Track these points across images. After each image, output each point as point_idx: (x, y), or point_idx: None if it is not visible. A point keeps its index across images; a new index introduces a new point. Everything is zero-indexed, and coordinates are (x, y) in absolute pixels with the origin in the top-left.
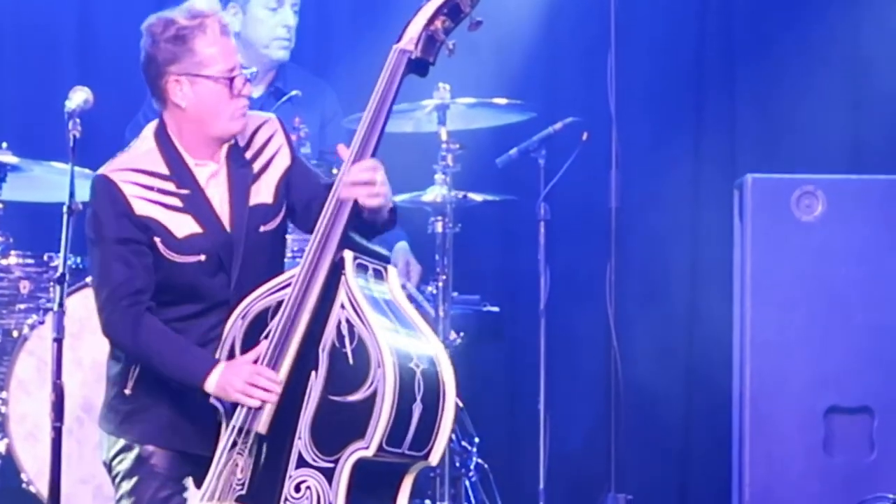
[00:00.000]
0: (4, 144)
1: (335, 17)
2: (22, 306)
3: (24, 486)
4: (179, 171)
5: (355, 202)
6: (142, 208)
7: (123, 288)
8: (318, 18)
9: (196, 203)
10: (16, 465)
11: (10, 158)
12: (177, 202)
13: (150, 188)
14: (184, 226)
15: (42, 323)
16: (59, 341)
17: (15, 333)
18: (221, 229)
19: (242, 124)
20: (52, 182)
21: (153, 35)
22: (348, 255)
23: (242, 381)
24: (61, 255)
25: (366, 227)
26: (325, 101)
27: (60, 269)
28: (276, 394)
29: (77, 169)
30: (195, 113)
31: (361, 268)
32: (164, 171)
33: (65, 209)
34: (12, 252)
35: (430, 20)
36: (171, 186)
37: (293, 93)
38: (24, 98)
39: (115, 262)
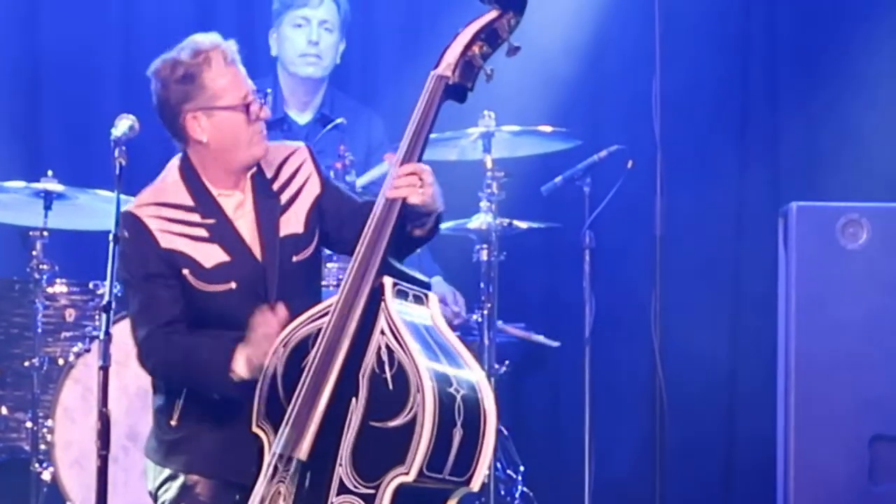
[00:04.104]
0: (50, 172)
1: (383, 47)
2: (67, 334)
3: None
4: (205, 202)
5: (399, 213)
6: (168, 241)
7: (158, 322)
8: (365, 48)
9: (222, 232)
10: (61, 492)
11: (56, 186)
12: (203, 233)
13: (176, 221)
14: (212, 255)
15: (88, 351)
16: (104, 369)
17: (61, 361)
18: (251, 258)
19: (264, 147)
20: (97, 210)
21: (163, 79)
22: (388, 281)
23: (261, 334)
24: (107, 283)
25: (407, 238)
26: (372, 129)
27: (106, 297)
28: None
29: (123, 197)
30: (216, 144)
31: (401, 294)
32: (189, 202)
33: (111, 237)
34: (58, 280)
35: (468, 46)
36: (196, 217)
37: (338, 120)
38: (70, 126)
39: (146, 298)
